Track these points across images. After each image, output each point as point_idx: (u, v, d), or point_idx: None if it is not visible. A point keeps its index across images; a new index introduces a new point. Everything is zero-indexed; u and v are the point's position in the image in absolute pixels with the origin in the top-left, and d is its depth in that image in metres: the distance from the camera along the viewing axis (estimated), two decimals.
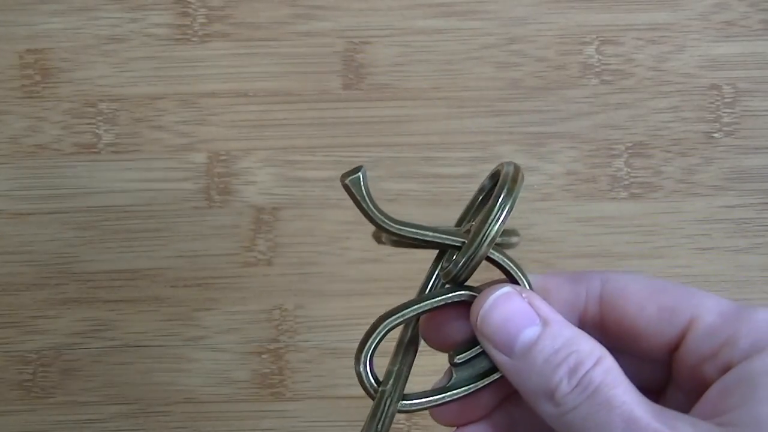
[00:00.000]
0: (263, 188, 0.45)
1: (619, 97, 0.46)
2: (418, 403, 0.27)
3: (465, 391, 0.27)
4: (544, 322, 0.25)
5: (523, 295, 0.26)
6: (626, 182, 0.46)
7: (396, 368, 0.28)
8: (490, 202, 0.26)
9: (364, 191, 0.27)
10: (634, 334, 0.27)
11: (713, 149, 0.46)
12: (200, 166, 0.45)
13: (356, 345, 0.43)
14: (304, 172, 0.45)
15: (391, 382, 0.28)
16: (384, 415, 0.27)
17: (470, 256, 0.26)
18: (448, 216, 0.44)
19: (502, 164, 0.28)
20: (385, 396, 0.27)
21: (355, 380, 0.44)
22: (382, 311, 0.44)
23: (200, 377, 0.44)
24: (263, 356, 0.44)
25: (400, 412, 0.28)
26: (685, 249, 0.45)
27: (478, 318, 0.26)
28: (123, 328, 0.44)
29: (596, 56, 0.46)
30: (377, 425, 0.27)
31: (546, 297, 0.27)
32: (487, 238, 0.26)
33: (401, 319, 0.27)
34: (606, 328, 0.27)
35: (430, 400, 0.27)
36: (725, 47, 0.47)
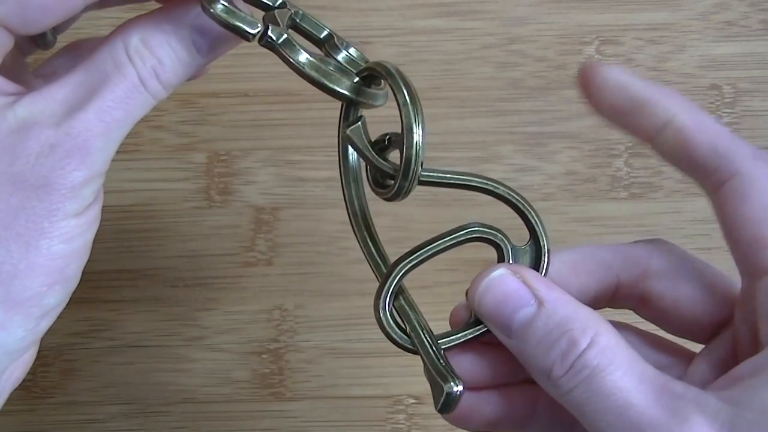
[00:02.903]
0: (263, 188, 0.45)
1: None
2: (446, 341, 0.28)
3: (481, 329, 0.27)
4: (539, 302, 0.25)
5: (517, 275, 0.26)
6: (626, 182, 0.46)
7: (408, 310, 0.28)
8: (404, 120, 0.26)
9: (365, 140, 0.27)
10: (729, 238, 0.26)
11: None
12: (200, 166, 0.45)
13: (356, 344, 0.43)
14: (304, 172, 0.45)
15: (412, 320, 0.28)
16: (437, 353, 0.27)
17: (409, 180, 0.26)
18: (449, 215, 0.44)
19: (374, 69, 0.27)
20: (424, 340, 0.27)
21: (355, 380, 0.44)
22: None
23: (200, 377, 0.44)
24: (263, 356, 0.44)
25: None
26: (685, 249, 0.45)
27: (475, 302, 0.27)
28: (123, 328, 0.44)
29: (596, 56, 0.46)
30: (440, 362, 0.27)
31: (675, 137, 0.26)
32: (418, 155, 0.26)
33: (415, 262, 0.28)
34: (715, 207, 0.27)
35: (454, 338, 0.28)
36: (725, 47, 0.47)
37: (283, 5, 0.28)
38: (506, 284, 0.26)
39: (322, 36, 0.28)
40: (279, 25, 0.26)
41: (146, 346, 0.44)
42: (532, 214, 0.28)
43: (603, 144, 0.46)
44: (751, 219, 0.25)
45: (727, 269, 0.29)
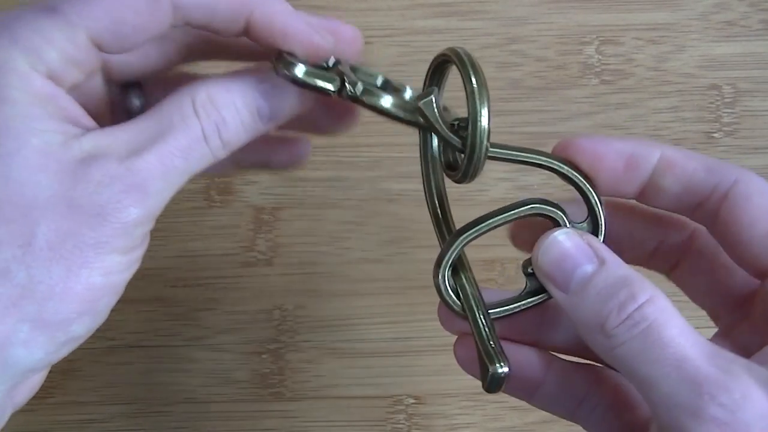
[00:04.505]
0: (263, 188, 0.45)
1: (619, 97, 0.46)
2: (499, 311, 0.29)
3: (536, 300, 0.28)
4: (601, 261, 0.26)
5: (583, 237, 0.27)
6: None
7: (467, 285, 0.29)
8: (469, 101, 0.27)
9: (437, 113, 0.28)
10: (736, 242, 0.27)
11: (713, 149, 0.46)
12: None
13: (356, 344, 0.43)
14: (304, 172, 0.45)
15: (470, 297, 0.29)
16: (489, 334, 0.28)
17: (475, 161, 0.27)
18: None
19: (447, 54, 0.29)
20: (478, 319, 0.28)
21: (355, 380, 0.44)
22: (382, 311, 0.44)
23: (200, 377, 0.44)
24: (263, 356, 0.44)
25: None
26: None
27: (538, 256, 0.27)
28: (123, 328, 0.44)
29: (596, 56, 0.46)
30: (489, 342, 0.28)
31: (671, 169, 0.28)
32: (483, 138, 0.27)
33: (477, 233, 0.28)
34: (716, 222, 0.27)
35: (508, 308, 0.29)
36: (725, 47, 0.47)
37: (336, 64, 0.28)
38: (572, 241, 0.27)
39: (379, 84, 0.30)
40: (351, 77, 0.27)
41: (146, 346, 0.44)
42: (593, 193, 0.29)
43: None
44: (759, 217, 0.26)
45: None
